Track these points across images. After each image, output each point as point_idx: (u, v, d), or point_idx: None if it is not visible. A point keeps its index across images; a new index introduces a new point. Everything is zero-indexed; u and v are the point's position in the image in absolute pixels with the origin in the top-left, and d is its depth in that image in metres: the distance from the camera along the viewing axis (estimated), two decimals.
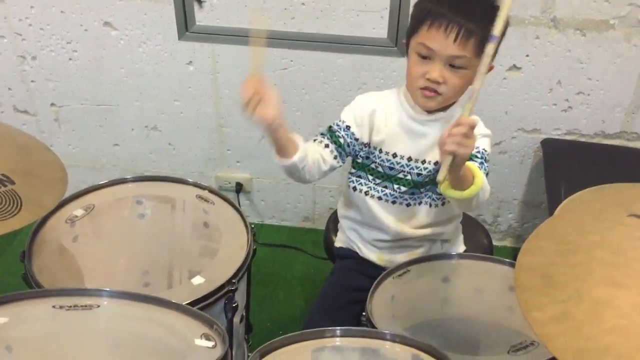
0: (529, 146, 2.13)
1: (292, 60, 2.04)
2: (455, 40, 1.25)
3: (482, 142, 1.38)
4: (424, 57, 1.30)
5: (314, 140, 1.43)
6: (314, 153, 1.38)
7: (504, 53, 1.93)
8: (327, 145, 1.41)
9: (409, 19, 1.36)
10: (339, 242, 1.63)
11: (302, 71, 2.06)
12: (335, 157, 1.42)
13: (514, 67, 1.97)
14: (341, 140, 1.42)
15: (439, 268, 1.43)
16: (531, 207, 2.28)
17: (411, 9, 1.35)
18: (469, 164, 1.25)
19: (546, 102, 2.03)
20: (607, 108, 2.01)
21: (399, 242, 1.50)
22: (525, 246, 0.91)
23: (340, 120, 1.44)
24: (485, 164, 1.36)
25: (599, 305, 0.77)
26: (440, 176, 1.18)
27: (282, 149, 1.30)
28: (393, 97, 1.45)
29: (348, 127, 1.42)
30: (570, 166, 1.96)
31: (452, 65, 1.28)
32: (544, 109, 2.04)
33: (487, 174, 1.35)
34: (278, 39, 2.00)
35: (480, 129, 1.39)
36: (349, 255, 1.58)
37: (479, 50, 1.25)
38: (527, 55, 1.94)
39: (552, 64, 1.95)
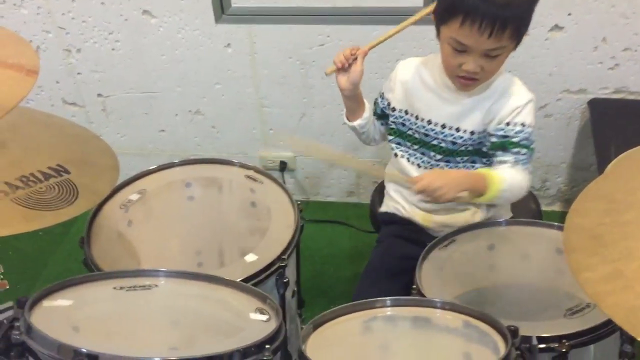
0: (576, 107, 2.08)
1: (328, 36, 2.04)
2: (490, 36, 1.23)
3: (523, 115, 1.36)
4: (459, 50, 1.29)
5: None
6: (373, 120, 1.55)
7: (546, 13, 1.88)
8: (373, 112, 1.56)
9: None
10: (384, 207, 1.64)
11: (339, 46, 2.04)
12: (382, 124, 1.56)
13: (556, 27, 1.92)
14: (378, 106, 1.54)
15: (484, 236, 1.43)
16: (580, 169, 2.23)
17: None
18: (484, 171, 1.35)
19: (591, 61, 1.97)
20: None
21: (443, 203, 1.48)
22: (574, 207, 0.90)
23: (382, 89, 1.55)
24: (525, 150, 1.36)
25: None
26: None
27: (350, 112, 1.51)
28: (431, 63, 1.44)
29: (382, 94, 1.53)
30: (619, 126, 1.91)
31: (488, 55, 1.28)
32: (589, 68, 1.99)
33: (530, 156, 1.37)
34: (313, 15, 1.99)
35: (519, 96, 1.37)
36: (393, 220, 1.59)
37: (517, 35, 1.26)
38: (570, 14, 1.89)
39: (596, 21, 1.89)
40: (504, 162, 1.37)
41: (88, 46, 2.17)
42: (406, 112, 1.48)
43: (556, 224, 1.40)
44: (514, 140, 1.36)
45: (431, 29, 1.39)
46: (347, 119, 1.53)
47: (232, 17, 2.03)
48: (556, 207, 2.35)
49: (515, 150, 1.36)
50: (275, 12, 2.00)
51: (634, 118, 1.95)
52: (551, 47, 1.96)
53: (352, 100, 1.48)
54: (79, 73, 2.24)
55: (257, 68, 2.14)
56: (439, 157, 1.46)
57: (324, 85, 2.14)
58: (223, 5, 2.02)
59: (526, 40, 1.33)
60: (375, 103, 1.55)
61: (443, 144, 1.44)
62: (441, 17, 1.30)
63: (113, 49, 2.16)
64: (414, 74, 1.46)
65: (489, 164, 1.44)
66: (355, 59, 1.42)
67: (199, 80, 2.19)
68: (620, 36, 1.91)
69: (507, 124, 1.36)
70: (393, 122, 1.51)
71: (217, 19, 2.04)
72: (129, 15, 2.08)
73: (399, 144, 1.52)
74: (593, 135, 1.94)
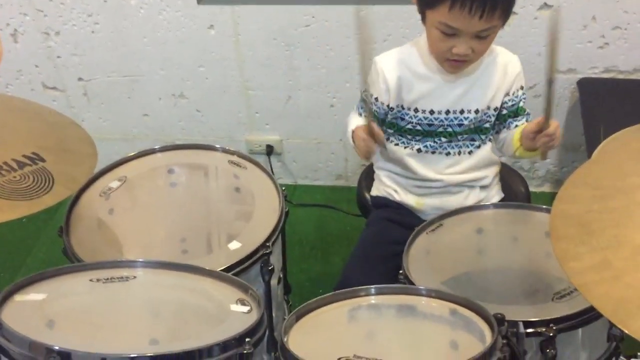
0: (565, 87, 2.06)
1: (314, 17, 2.00)
2: (481, 17, 1.22)
3: (521, 79, 1.44)
4: (448, 34, 1.27)
5: (359, 115, 1.47)
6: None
7: None
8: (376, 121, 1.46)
9: None
10: (374, 190, 1.62)
11: (325, 27, 2.02)
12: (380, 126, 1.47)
13: (545, 6, 1.89)
14: (379, 114, 1.46)
15: (472, 219, 1.41)
16: (570, 150, 2.22)
17: None
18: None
19: (581, 40, 1.94)
20: None
21: (438, 188, 1.50)
22: (560, 194, 0.88)
23: (368, 93, 1.44)
24: (528, 110, 1.46)
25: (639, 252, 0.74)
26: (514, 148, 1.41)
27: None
28: (415, 52, 1.42)
29: (377, 99, 1.45)
30: (609, 105, 1.89)
31: (478, 36, 1.27)
32: (578, 48, 1.96)
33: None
34: None
35: (513, 62, 1.44)
36: (385, 203, 1.57)
37: (507, 13, 1.27)
38: None
39: (585, 0, 1.86)
40: (520, 125, 1.43)
41: (67, 29, 2.12)
42: (402, 107, 1.45)
43: (544, 206, 1.39)
44: (521, 104, 1.44)
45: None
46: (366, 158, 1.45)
47: None
48: (546, 188, 2.34)
49: (526, 112, 1.45)
50: None
51: (624, 98, 1.94)
52: (540, 26, 1.93)
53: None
54: (58, 57, 2.19)
55: (241, 50, 2.10)
56: (444, 139, 1.45)
57: (310, 67, 2.10)
58: None
59: (515, 19, 1.32)
60: (373, 112, 1.45)
61: (450, 129, 1.44)
62: (427, 2, 1.27)
63: (93, 32, 2.11)
64: (401, 68, 1.42)
65: (485, 139, 1.47)
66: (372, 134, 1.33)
67: (182, 63, 2.15)
68: (610, 15, 1.88)
69: (514, 92, 1.43)
70: (392, 118, 1.47)
71: (199, 0, 1.99)
72: None
73: (400, 136, 1.49)
74: (582, 115, 1.93)
